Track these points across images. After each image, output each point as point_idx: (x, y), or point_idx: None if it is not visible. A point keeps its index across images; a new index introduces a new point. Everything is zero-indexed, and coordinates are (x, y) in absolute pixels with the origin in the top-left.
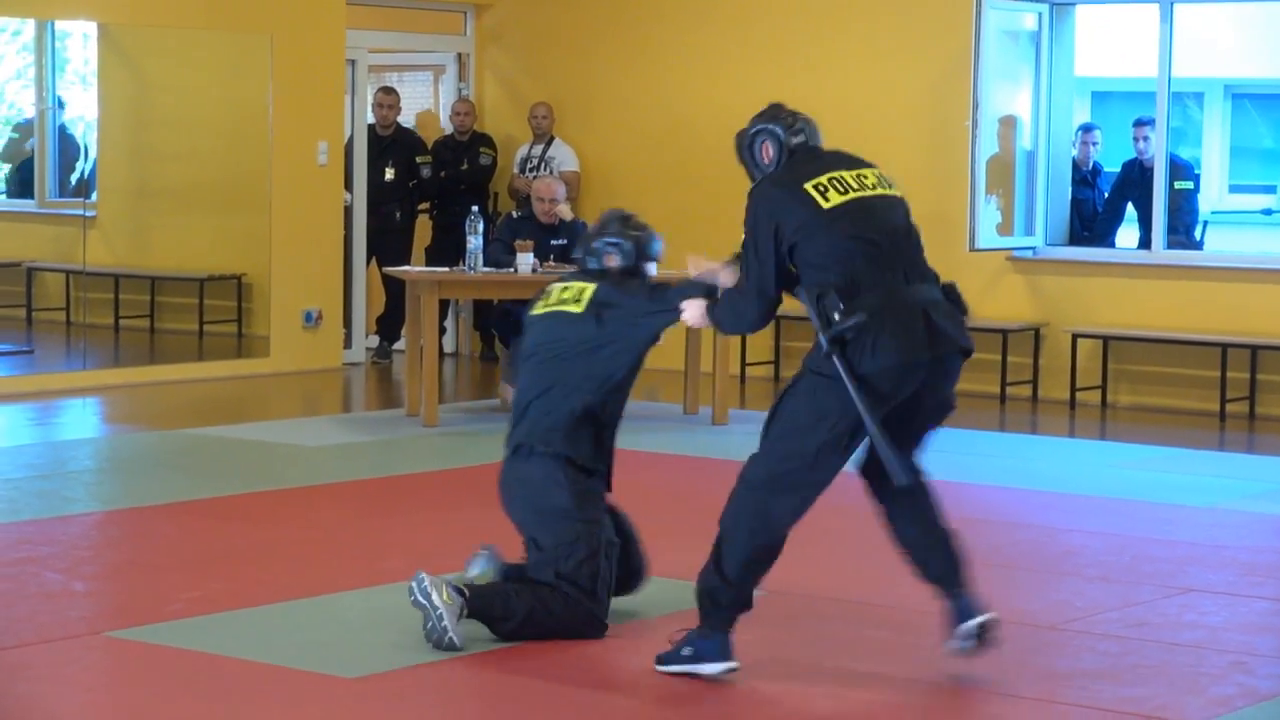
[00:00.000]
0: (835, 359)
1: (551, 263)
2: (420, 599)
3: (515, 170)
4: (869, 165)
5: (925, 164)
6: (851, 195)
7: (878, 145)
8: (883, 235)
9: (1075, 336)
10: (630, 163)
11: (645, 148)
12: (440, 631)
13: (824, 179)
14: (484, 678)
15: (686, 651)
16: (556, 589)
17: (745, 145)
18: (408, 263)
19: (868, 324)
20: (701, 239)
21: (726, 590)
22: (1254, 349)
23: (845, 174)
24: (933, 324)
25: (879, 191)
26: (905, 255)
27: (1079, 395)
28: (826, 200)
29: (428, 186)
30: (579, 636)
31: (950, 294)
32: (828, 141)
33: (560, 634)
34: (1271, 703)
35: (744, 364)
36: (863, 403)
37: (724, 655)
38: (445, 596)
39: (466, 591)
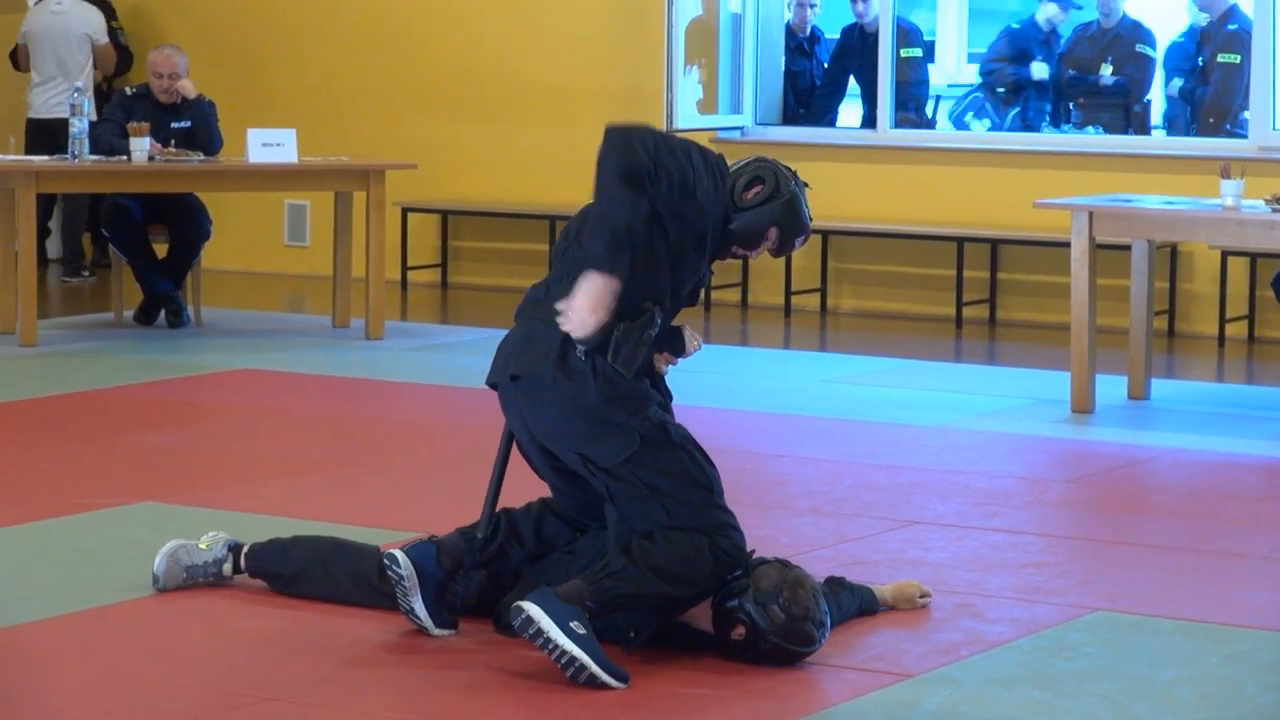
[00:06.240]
0: None
1: (173, 149)
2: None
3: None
4: None
5: (615, 29)
6: None
7: (559, 6)
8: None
9: None
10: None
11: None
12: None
13: None
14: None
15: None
16: None
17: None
18: None
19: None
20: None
21: None
22: (994, 243)
23: None
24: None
25: None
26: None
27: (795, 299)
28: None
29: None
30: None
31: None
32: None
33: None
34: (1001, 650)
35: (405, 268)
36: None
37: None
38: None
39: None
